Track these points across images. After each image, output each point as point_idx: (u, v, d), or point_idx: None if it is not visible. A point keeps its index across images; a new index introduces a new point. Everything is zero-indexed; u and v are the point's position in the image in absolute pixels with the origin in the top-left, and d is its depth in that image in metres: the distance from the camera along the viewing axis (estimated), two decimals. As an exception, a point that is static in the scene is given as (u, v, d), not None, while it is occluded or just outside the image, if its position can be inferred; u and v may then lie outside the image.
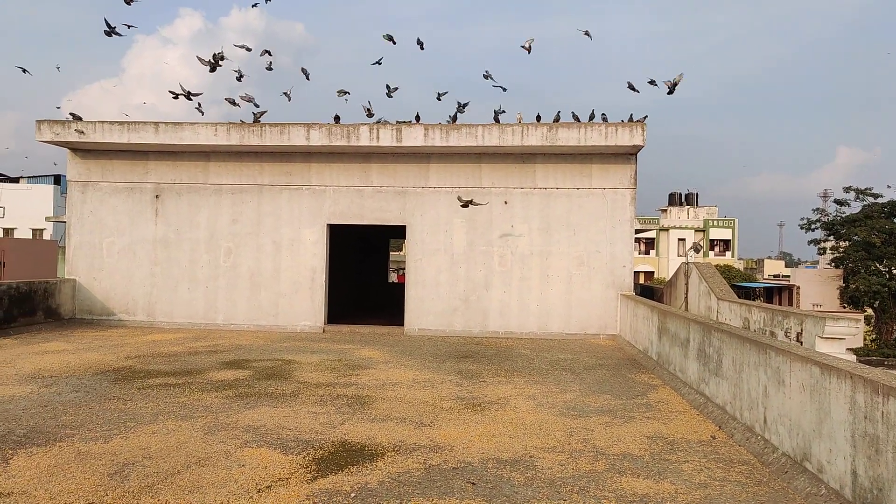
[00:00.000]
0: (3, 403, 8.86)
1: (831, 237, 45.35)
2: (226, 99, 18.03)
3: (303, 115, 19.35)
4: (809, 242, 48.60)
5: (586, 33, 17.49)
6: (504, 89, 18.17)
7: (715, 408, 8.73)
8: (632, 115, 17.07)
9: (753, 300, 39.66)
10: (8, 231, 53.31)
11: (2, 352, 13.32)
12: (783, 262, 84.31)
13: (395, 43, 17.21)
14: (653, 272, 68.11)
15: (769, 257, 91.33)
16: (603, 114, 17.23)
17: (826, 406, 5.79)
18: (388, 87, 18.18)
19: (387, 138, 17.23)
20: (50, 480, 5.97)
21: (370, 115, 17.86)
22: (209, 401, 9.28)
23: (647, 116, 16.97)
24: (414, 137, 17.19)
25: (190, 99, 17.28)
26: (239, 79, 17.57)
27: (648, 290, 24.56)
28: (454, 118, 17.88)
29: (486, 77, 17.81)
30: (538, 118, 17.34)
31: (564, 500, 5.71)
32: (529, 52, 16.51)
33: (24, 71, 19.08)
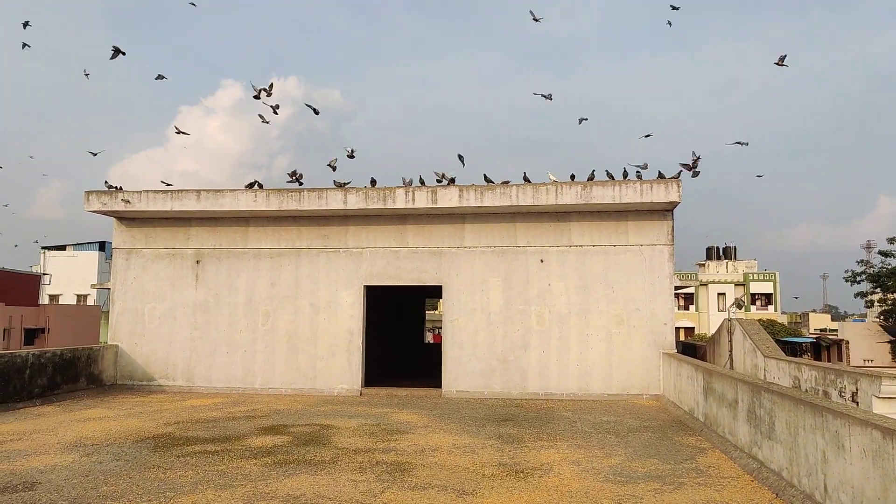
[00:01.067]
0: (46, 473, 8.89)
1: (878, 289, 44.04)
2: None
3: (339, 180, 19.92)
4: (856, 295, 47.22)
5: (546, 97, 18.05)
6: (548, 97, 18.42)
7: (770, 473, 8.34)
8: (680, 170, 17.00)
9: (800, 356, 38.42)
10: (53, 297, 54.72)
11: (45, 419, 13.47)
12: (829, 316, 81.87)
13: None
14: (693, 328, 66.68)
15: (814, 311, 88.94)
16: (637, 171, 17.19)
17: (891, 472, 5.48)
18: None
19: (422, 200, 17.42)
20: (90, 554, 5.90)
21: (351, 156, 18.40)
22: (248, 469, 9.19)
23: (681, 172, 16.90)
24: (448, 199, 17.34)
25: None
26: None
27: (690, 347, 23.98)
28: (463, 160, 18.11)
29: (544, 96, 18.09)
30: (572, 177, 17.39)
31: (616, 576, 5.44)
32: (550, 100, 17.13)
33: (94, 154, 20.40)
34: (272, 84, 18.30)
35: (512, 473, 8.99)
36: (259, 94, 18.03)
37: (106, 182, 18.89)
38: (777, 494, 7.80)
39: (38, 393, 15.96)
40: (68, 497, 7.73)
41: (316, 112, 19.18)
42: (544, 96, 18.34)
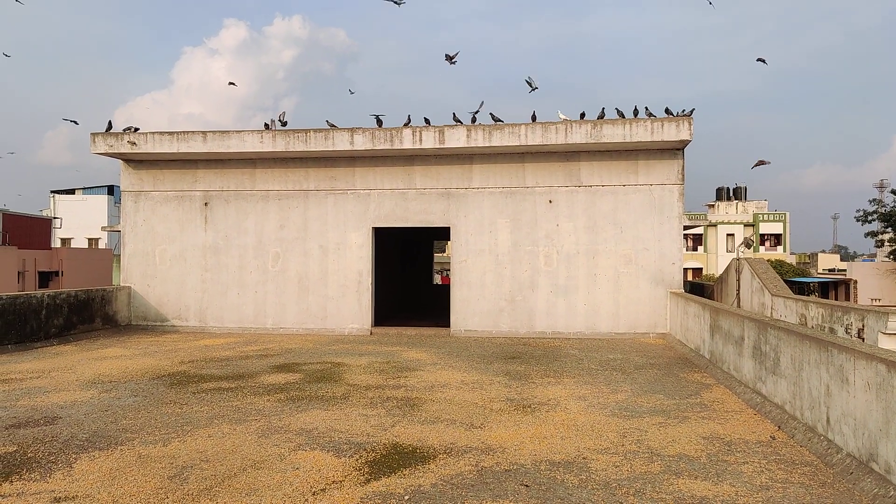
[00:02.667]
0: (66, 409, 9.15)
1: (889, 228, 43.74)
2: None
3: (346, 123, 19.76)
4: (866, 235, 46.84)
5: (530, 84, 17.76)
6: (532, 87, 18.09)
7: (773, 407, 8.49)
8: (684, 109, 16.72)
9: (808, 296, 38.50)
10: (65, 241, 55.18)
11: (63, 358, 13.78)
12: (838, 256, 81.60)
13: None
14: (701, 269, 66.72)
15: (823, 251, 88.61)
16: (647, 108, 16.92)
17: (894, 405, 5.57)
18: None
19: (429, 140, 17.27)
20: (112, 483, 6.13)
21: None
22: (262, 404, 9.42)
23: (693, 109, 16.63)
24: (457, 139, 17.18)
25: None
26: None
27: (698, 287, 24.07)
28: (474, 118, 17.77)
29: (529, 83, 17.81)
30: (582, 116, 17.14)
31: (620, 503, 5.61)
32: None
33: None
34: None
35: (519, 408, 9.18)
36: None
37: (109, 123, 18.70)
38: (779, 427, 7.95)
39: (55, 333, 16.28)
40: (89, 430, 7.97)
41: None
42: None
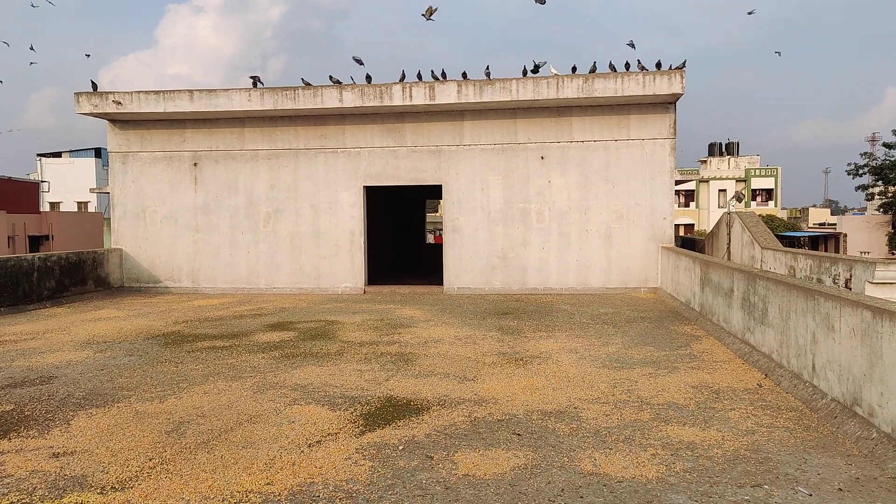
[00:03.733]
0: (62, 368, 9.21)
1: (880, 182, 43.85)
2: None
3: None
4: (857, 189, 46.98)
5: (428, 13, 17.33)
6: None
7: (760, 356, 8.63)
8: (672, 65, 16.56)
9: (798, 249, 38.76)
10: (54, 205, 54.73)
11: (57, 320, 13.81)
12: (829, 210, 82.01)
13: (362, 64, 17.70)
14: (693, 225, 66.99)
15: (814, 206, 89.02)
16: (639, 62, 16.75)
17: (878, 350, 5.67)
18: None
19: (420, 96, 17.09)
20: (110, 439, 6.21)
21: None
22: (256, 362, 9.51)
23: (685, 62, 16.48)
24: (447, 95, 17.01)
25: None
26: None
27: (689, 241, 24.20)
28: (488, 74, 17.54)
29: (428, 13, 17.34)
30: (573, 69, 16.96)
31: (610, 449, 5.74)
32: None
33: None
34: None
35: (512, 361, 9.30)
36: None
37: (93, 83, 18.41)
38: (766, 375, 8.10)
39: (48, 295, 16.28)
40: (85, 389, 8.04)
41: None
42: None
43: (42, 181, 42.25)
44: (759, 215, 19.99)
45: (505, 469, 5.32)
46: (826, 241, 43.97)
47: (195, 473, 5.31)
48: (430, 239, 52.89)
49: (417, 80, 17.35)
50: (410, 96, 17.13)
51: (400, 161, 18.21)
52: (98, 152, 59.74)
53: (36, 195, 37.90)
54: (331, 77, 17.66)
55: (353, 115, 18.16)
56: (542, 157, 17.69)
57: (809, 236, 45.29)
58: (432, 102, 17.11)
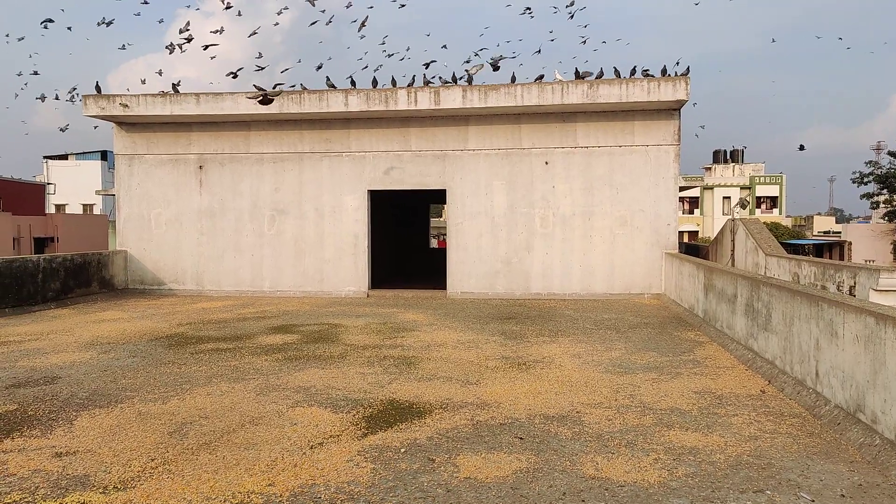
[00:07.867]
0: (66, 369, 9.23)
1: (885, 190, 43.78)
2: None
3: (344, 86, 19.19)
4: (862, 197, 46.95)
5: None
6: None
7: (764, 363, 8.61)
8: (676, 70, 16.58)
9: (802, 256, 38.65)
10: (59, 207, 54.96)
11: (61, 321, 13.85)
12: (834, 219, 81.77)
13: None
14: (697, 231, 66.95)
15: (819, 214, 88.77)
16: (644, 69, 16.80)
17: (881, 356, 5.66)
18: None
19: (425, 101, 17.13)
20: (113, 439, 6.22)
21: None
22: (260, 364, 9.52)
23: (688, 68, 16.50)
24: (452, 99, 17.05)
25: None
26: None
27: (693, 248, 24.17)
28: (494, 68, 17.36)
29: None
30: (577, 73, 16.98)
31: (612, 453, 5.73)
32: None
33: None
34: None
35: (514, 365, 9.29)
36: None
37: (97, 85, 18.49)
38: (769, 381, 8.08)
39: (52, 297, 16.33)
40: (88, 389, 8.06)
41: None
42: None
43: (48, 183, 42.43)
44: (764, 223, 19.98)
45: (507, 472, 5.32)
46: (831, 249, 43.87)
47: (197, 474, 5.32)
48: (434, 243, 52.93)
49: (424, 84, 17.37)
50: (416, 101, 17.17)
51: (405, 165, 18.24)
52: (104, 155, 59.98)
53: (42, 197, 38.09)
54: (328, 79, 17.75)
55: (359, 119, 18.22)
56: (547, 163, 17.70)
57: (814, 244, 45.22)
58: (437, 107, 17.14)
